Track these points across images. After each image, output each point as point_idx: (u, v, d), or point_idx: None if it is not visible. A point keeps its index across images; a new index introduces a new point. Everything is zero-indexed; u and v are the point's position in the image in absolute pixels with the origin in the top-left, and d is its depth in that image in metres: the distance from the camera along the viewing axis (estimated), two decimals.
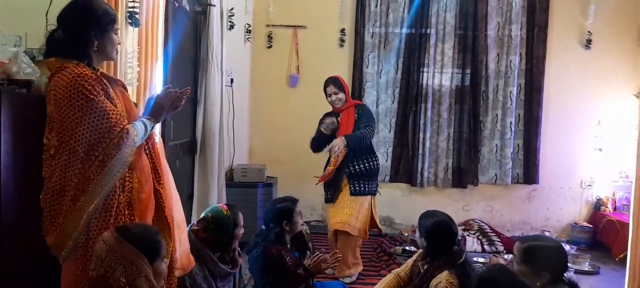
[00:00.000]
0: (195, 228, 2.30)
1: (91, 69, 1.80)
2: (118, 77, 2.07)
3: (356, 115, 3.60)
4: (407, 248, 4.40)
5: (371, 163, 3.61)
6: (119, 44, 1.96)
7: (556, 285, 1.97)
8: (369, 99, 5.03)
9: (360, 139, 3.49)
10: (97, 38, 1.82)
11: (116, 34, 1.92)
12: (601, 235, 4.71)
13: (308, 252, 2.90)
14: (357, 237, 3.62)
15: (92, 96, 1.71)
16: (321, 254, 2.78)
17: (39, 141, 1.79)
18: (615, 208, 4.95)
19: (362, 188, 3.58)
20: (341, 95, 3.61)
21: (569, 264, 3.96)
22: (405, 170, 5.09)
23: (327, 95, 3.65)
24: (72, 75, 1.71)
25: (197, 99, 3.68)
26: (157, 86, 2.47)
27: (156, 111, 1.93)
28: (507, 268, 2.03)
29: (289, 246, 2.86)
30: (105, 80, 1.80)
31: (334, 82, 3.63)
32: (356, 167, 3.56)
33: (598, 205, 5.00)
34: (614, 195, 5.01)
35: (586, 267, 4.14)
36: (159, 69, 2.51)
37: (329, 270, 3.45)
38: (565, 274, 2.06)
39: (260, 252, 2.67)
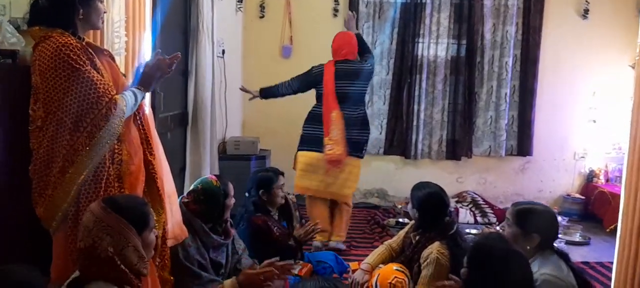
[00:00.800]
0: (186, 200, 2.29)
1: (76, 38, 1.77)
2: (105, 47, 2.03)
3: None
4: (400, 220, 4.42)
5: None
6: (104, 12, 1.92)
7: (545, 252, 2.00)
8: None
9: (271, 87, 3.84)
10: (81, 5, 1.78)
11: (101, 2, 1.88)
12: (593, 206, 4.76)
13: (295, 223, 2.93)
14: None
15: (77, 66, 1.68)
16: (311, 224, 2.82)
17: (26, 112, 1.76)
18: (607, 180, 4.98)
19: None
20: None
21: (560, 235, 4.04)
22: (400, 143, 5.08)
23: None
24: (56, 44, 1.68)
25: (187, 70, 3.63)
26: (146, 56, 2.43)
27: (146, 80, 1.90)
28: (502, 236, 2.05)
29: (276, 217, 2.88)
30: (90, 50, 1.77)
31: None
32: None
33: (590, 176, 5.04)
34: (606, 166, 5.04)
35: (577, 237, 4.18)
36: (147, 39, 2.46)
37: (317, 241, 3.49)
38: (555, 243, 2.09)
39: (246, 225, 2.70)
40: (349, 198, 3.77)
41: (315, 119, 3.64)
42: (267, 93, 3.85)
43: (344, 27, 3.91)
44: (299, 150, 3.72)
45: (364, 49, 3.76)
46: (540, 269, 1.91)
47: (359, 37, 3.78)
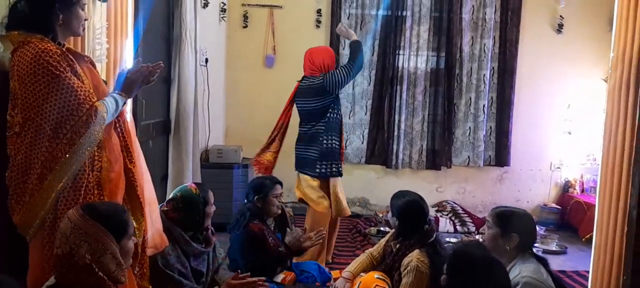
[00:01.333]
0: (165, 208, 2.28)
1: (56, 44, 1.75)
2: (86, 54, 2.02)
3: None
4: (381, 229, 4.45)
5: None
6: (85, 19, 1.91)
7: (525, 256, 2.04)
8: None
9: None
10: (62, 11, 1.76)
11: (83, 9, 1.86)
12: (569, 216, 4.86)
13: (288, 230, 2.92)
14: None
15: (57, 72, 1.67)
16: (301, 231, 2.81)
17: (4, 118, 1.74)
18: (582, 190, 5.10)
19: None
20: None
21: (537, 244, 4.12)
22: (381, 152, 5.13)
23: None
24: (36, 50, 1.66)
25: (170, 78, 3.62)
26: (128, 63, 2.41)
27: (127, 86, 1.90)
28: (481, 244, 2.10)
29: (272, 228, 2.87)
30: (71, 56, 1.76)
31: None
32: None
33: (566, 187, 5.15)
34: (581, 177, 5.16)
35: (554, 246, 4.26)
36: (129, 46, 2.45)
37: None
38: (533, 248, 2.14)
39: (242, 230, 2.69)
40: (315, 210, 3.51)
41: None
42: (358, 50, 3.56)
43: (342, 41, 3.74)
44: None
45: (348, 58, 3.61)
46: (521, 272, 1.96)
47: (353, 45, 3.54)
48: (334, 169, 3.47)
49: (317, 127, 3.46)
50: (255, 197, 2.80)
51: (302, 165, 3.52)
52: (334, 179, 3.49)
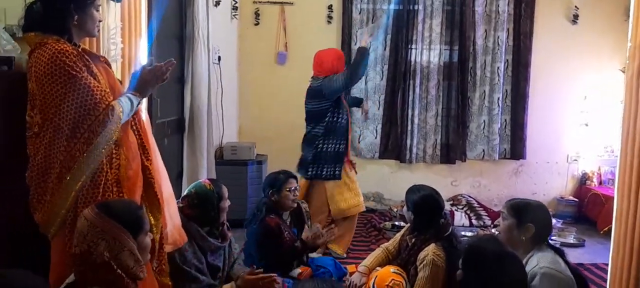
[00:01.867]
0: (181, 205, 2.30)
1: (72, 45, 1.77)
2: (101, 54, 2.04)
3: None
4: (396, 223, 4.45)
5: None
6: (100, 21, 1.93)
7: (542, 247, 2.03)
8: None
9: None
10: (77, 12, 1.78)
11: (97, 10, 1.88)
12: (586, 208, 4.80)
13: (306, 227, 2.94)
14: None
15: (74, 72, 1.69)
16: (319, 228, 2.82)
17: (23, 119, 1.77)
18: (600, 182, 5.03)
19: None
20: None
21: (554, 237, 4.08)
22: (394, 147, 5.11)
23: None
24: (52, 51, 1.69)
25: (183, 77, 3.65)
26: (142, 63, 2.44)
27: (141, 85, 1.91)
28: (495, 238, 2.08)
29: (288, 223, 2.89)
30: (87, 56, 1.78)
31: None
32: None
33: (583, 179, 5.08)
34: (599, 169, 5.09)
35: (571, 239, 4.22)
36: (143, 46, 2.48)
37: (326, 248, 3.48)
38: (550, 240, 2.13)
39: (258, 224, 2.71)
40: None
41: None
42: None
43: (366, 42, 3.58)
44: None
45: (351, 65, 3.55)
46: (539, 263, 1.94)
47: (358, 51, 3.48)
48: (325, 172, 3.47)
49: (316, 130, 3.50)
50: (270, 191, 2.82)
51: (299, 164, 3.61)
52: (328, 182, 3.49)
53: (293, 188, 2.87)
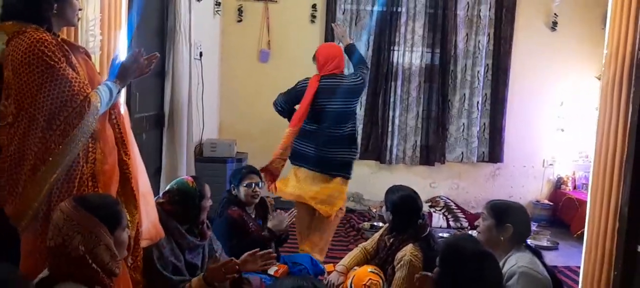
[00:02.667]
0: (161, 200, 2.27)
1: (51, 35, 1.74)
2: (80, 45, 2.00)
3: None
4: (375, 223, 4.47)
5: None
6: (80, 9, 1.90)
7: (521, 248, 2.06)
8: None
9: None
10: (56, 1, 1.75)
11: None
12: (561, 212, 4.89)
13: (269, 217, 2.93)
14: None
15: (52, 63, 1.66)
16: (284, 214, 2.83)
17: None
18: (575, 187, 5.14)
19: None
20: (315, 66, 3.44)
21: (529, 240, 4.14)
22: (375, 148, 5.14)
23: None
24: (31, 40, 1.65)
25: (164, 71, 3.60)
26: (121, 55, 2.40)
27: (123, 73, 1.88)
28: (473, 237, 2.11)
29: (253, 215, 2.88)
30: (66, 47, 1.75)
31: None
32: None
33: (559, 183, 5.18)
34: (574, 174, 5.20)
35: (545, 242, 4.30)
36: (122, 38, 2.44)
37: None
38: (527, 240, 2.17)
39: (221, 218, 2.72)
40: (330, 215, 3.43)
41: (301, 134, 3.38)
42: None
43: (336, 41, 3.58)
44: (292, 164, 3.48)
45: (358, 60, 3.50)
46: (517, 262, 1.98)
47: (353, 48, 3.54)
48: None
49: (352, 127, 3.41)
50: (232, 185, 2.83)
51: (339, 167, 3.37)
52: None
53: (253, 184, 2.83)
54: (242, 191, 2.83)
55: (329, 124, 3.31)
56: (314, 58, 3.45)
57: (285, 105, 3.46)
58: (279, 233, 2.82)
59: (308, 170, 3.40)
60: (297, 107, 3.43)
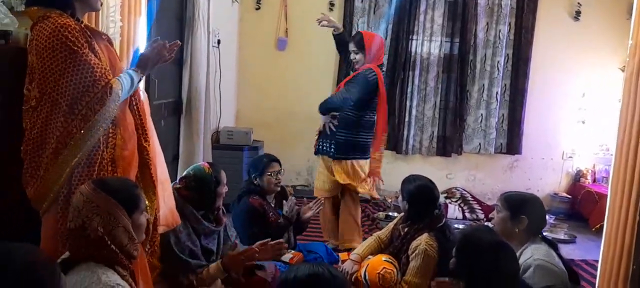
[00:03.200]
0: (178, 186, 2.30)
1: (75, 20, 1.76)
2: (102, 31, 2.03)
3: (350, 79, 3.39)
4: (390, 213, 4.46)
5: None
6: None
7: (536, 240, 2.05)
8: None
9: (327, 102, 3.39)
10: None
11: None
12: (579, 205, 4.82)
13: (284, 203, 2.94)
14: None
15: (75, 48, 1.67)
16: (295, 200, 2.85)
17: (16, 94, 1.75)
18: (594, 180, 5.06)
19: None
20: (359, 56, 3.32)
21: (545, 233, 4.10)
22: (391, 138, 5.11)
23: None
24: (55, 25, 1.67)
25: (182, 59, 3.63)
26: (141, 42, 2.43)
27: (144, 62, 1.90)
28: (490, 228, 2.10)
29: (273, 204, 2.90)
30: (89, 33, 1.77)
31: (354, 39, 3.39)
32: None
33: (578, 176, 5.11)
34: (593, 167, 5.11)
35: (563, 235, 4.25)
36: (142, 25, 2.46)
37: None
38: (543, 231, 2.15)
39: (243, 205, 2.73)
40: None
41: (367, 126, 3.38)
42: (324, 109, 3.38)
43: (330, 26, 3.51)
44: (356, 158, 3.38)
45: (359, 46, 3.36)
46: (533, 255, 1.97)
47: (343, 36, 3.51)
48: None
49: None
50: (253, 175, 2.83)
51: (365, 149, 3.43)
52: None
53: (275, 171, 2.85)
54: (265, 180, 2.83)
55: (366, 110, 3.36)
56: (362, 46, 3.31)
57: (361, 100, 3.30)
58: (292, 218, 2.83)
59: (366, 160, 3.44)
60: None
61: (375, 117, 3.41)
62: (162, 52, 1.91)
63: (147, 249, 1.94)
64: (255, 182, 2.84)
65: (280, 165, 2.94)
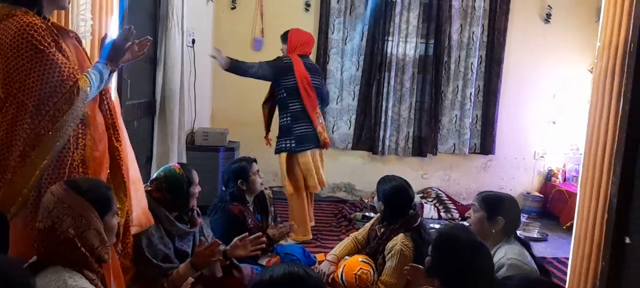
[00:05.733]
0: (149, 188, 2.25)
1: (41, 18, 1.71)
2: (70, 29, 1.97)
3: None
4: (366, 214, 4.48)
5: (282, 120, 3.76)
6: None
7: (510, 240, 2.08)
8: (333, 66, 5.02)
9: (239, 63, 3.64)
10: None
11: None
12: (551, 204, 4.94)
13: (270, 220, 2.92)
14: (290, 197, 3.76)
15: (41, 47, 1.63)
16: (285, 225, 2.82)
17: None
18: (565, 179, 5.18)
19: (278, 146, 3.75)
20: (282, 46, 3.81)
21: (519, 231, 4.17)
22: (367, 138, 5.14)
23: None
24: (20, 24, 1.62)
25: (156, 58, 3.57)
26: (112, 37, 2.37)
27: (113, 53, 1.84)
28: (466, 227, 2.12)
29: (251, 209, 2.87)
30: (56, 31, 1.72)
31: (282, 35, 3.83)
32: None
33: (549, 175, 5.22)
34: (564, 166, 5.24)
35: (535, 234, 4.33)
36: (114, 23, 2.40)
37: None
38: (517, 231, 2.18)
39: (222, 213, 2.69)
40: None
41: (301, 115, 3.67)
42: (235, 67, 3.66)
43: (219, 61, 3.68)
44: (294, 151, 3.68)
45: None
46: (506, 254, 2.00)
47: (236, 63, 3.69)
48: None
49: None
50: (240, 181, 2.79)
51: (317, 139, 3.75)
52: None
53: (257, 170, 2.90)
54: (251, 182, 2.82)
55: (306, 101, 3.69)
56: (285, 39, 3.79)
57: (268, 76, 3.74)
58: (277, 241, 2.82)
59: (314, 150, 3.75)
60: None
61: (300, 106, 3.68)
62: (131, 41, 1.87)
63: (119, 251, 1.90)
64: (243, 187, 2.81)
65: (256, 162, 2.94)
